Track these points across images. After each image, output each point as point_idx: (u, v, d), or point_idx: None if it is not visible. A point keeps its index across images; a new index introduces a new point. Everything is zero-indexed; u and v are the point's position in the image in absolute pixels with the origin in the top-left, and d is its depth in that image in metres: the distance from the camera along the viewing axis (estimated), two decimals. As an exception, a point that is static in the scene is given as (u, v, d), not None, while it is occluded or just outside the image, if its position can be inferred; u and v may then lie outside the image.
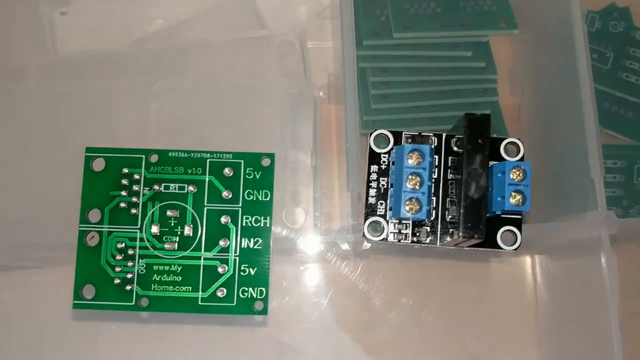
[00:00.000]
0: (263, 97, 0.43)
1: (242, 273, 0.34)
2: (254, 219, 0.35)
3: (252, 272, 0.34)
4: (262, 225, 0.35)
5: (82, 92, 0.44)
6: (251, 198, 0.35)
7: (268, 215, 0.35)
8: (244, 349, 0.42)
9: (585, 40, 0.38)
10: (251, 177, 0.35)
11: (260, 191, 0.35)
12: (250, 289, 0.34)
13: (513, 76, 0.47)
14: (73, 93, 0.44)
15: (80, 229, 0.34)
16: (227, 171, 0.35)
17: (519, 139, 0.34)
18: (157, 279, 0.34)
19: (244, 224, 0.35)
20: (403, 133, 0.34)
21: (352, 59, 0.37)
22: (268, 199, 0.35)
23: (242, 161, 0.35)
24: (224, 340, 0.42)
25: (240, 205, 0.35)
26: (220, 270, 0.35)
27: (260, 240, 0.35)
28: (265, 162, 0.35)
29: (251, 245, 0.35)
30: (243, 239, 0.35)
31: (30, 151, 0.42)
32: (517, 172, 0.32)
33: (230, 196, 0.35)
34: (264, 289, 0.34)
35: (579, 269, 0.39)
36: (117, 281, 0.34)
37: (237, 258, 0.35)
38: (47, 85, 0.44)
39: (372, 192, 0.34)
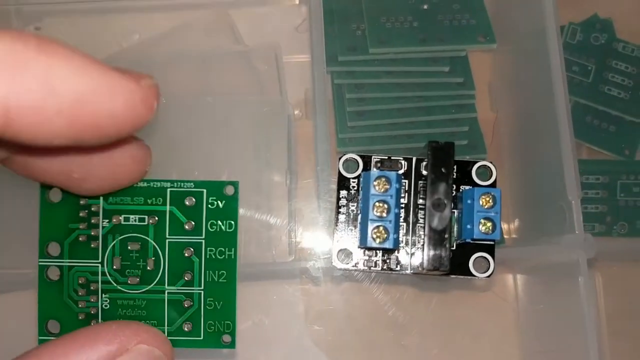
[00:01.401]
0: (236, 115, 0.42)
1: (208, 307, 0.33)
2: (218, 251, 0.34)
3: (218, 306, 0.33)
4: (226, 257, 0.34)
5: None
6: (214, 229, 0.34)
7: (233, 247, 0.34)
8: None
9: (561, 54, 0.37)
10: (214, 206, 0.34)
11: (224, 221, 0.34)
12: (217, 322, 0.33)
13: (493, 91, 0.46)
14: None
15: (40, 263, 0.33)
16: (188, 202, 0.34)
17: (491, 162, 0.33)
18: (122, 314, 0.33)
19: (207, 256, 0.34)
20: (372, 157, 0.33)
21: (322, 79, 0.37)
22: (232, 229, 0.34)
23: (205, 190, 0.34)
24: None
25: (203, 237, 0.34)
26: (185, 304, 0.34)
27: (225, 273, 0.34)
28: (229, 190, 0.34)
29: (216, 279, 0.34)
30: (208, 271, 0.34)
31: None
32: (487, 199, 0.31)
33: (192, 228, 0.34)
34: (230, 322, 0.33)
35: (558, 292, 0.38)
36: (81, 316, 0.33)
37: (202, 292, 0.34)
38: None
39: (342, 217, 0.33)
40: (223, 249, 0.33)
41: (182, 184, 0.34)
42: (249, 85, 0.44)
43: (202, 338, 0.33)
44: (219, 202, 0.34)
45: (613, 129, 0.46)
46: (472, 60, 0.44)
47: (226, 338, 0.33)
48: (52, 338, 0.33)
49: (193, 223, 0.34)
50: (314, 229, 0.40)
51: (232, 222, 0.34)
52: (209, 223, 0.34)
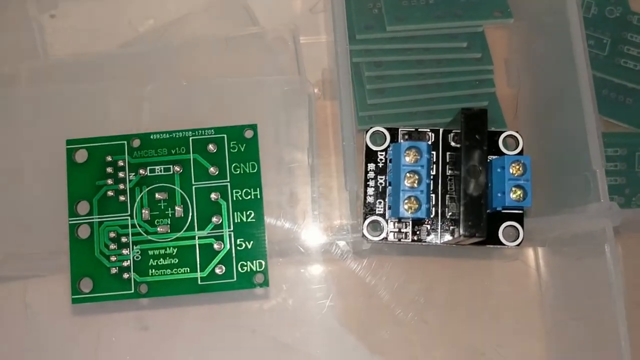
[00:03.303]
0: (257, 95, 0.42)
1: (238, 248, 0.34)
2: (243, 192, 0.34)
3: (249, 246, 0.34)
4: (252, 197, 0.34)
5: (73, 96, 0.43)
6: (238, 171, 0.35)
7: (258, 187, 0.34)
8: (246, 351, 0.41)
9: (582, 28, 0.37)
10: (236, 150, 0.35)
11: (247, 163, 0.35)
12: (249, 262, 0.34)
13: (510, 66, 0.46)
14: (65, 97, 0.43)
15: (70, 222, 0.34)
16: (211, 147, 0.35)
17: (517, 132, 0.34)
18: (153, 264, 0.34)
19: (234, 199, 0.34)
20: (399, 129, 0.34)
21: (345, 55, 0.37)
22: (255, 170, 0.35)
23: (225, 135, 0.35)
24: (226, 339, 0.41)
25: (228, 180, 0.35)
26: (216, 247, 0.34)
27: (253, 213, 0.34)
28: (248, 134, 0.35)
29: (244, 219, 0.34)
30: (235, 213, 0.34)
31: (23, 157, 0.42)
32: (517, 167, 0.31)
33: (217, 172, 0.35)
34: (262, 261, 0.34)
35: (583, 262, 0.38)
36: (113, 271, 0.34)
37: (232, 233, 0.34)
38: (38, 89, 0.44)
39: (370, 191, 0.34)
40: (249, 190, 0.34)
41: (203, 131, 0.34)
42: (267, 67, 0.45)
43: (235, 280, 0.34)
44: (240, 145, 0.34)
45: (630, 102, 0.46)
46: (489, 35, 0.45)
47: (259, 278, 0.34)
48: (86, 296, 0.33)
49: (217, 168, 0.34)
50: (339, 204, 0.40)
51: (255, 164, 0.34)
52: (233, 166, 0.34)
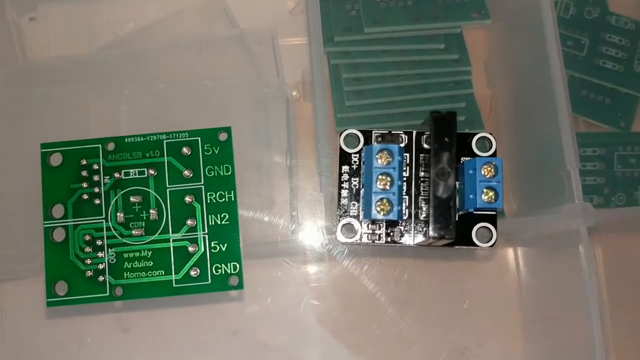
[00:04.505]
0: (235, 98, 0.42)
1: (212, 250, 0.34)
2: (218, 194, 0.35)
3: (223, 248, 0.34)
4: (226, 200, 0.35)
5: (52, 100, 0.43)
6: (212, 174, 0.35)
7: (232, 190, 0.35)
8: (227, 352, 0.41)
9: (556, 28, 0.37)
10: (210, 153, 0.35)
11: (221, 166, 0.35)
12: (224, 264, 0.34)
13: (489, 67, 0.46)
14: (44, 100, 0.43)
15: (45, 225, 0.34)
16: (185, 150, 0.35)
17: (490, 134, 0.34)
18: (128, 267, 0.34)
19: (208, 201, 0.35)
20: (373, 132, 0.34)
21: (320, 57, 0.37)
22: (230, 173, 0.35)
23: (199, 138, 0.35)
24: (207, 341, 0.42)
25: (202, 182, 0.35)
26: (190, 250, 0.34)
27: (227, 215, 0.35)
28: (223, 136, 0.35)
29: (219, 222, 0.34)
30: (210, 216, 0.34)
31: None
32: (489, 169, 0.31)
33: (191, 175, 0.35)
34: (237, 263, 0.34)
35: (559, 262, 0.38)
36: (88, 274, 0.34)
37: (206, 236, 0.34)
38: (16, 93, 0.43)
39: (344, 193, 0.34)
40: (223, 192, 0.34)
41: (177, 134, 0.35)
42: (246, 69, 0.45)
43: (209, 282, 0.34)
44: (214, 148, 0.35)
45: (609, 102, 0.46)
46: (467, 37, 0.45)
47: (233, 280, 0.34)
48: (61, 299, 0.33)
49: (191, 171, 0.34)
50: (316, 206, 0.40)
51: (229, 166, 0.35)
52: (207, 169, 0.34)
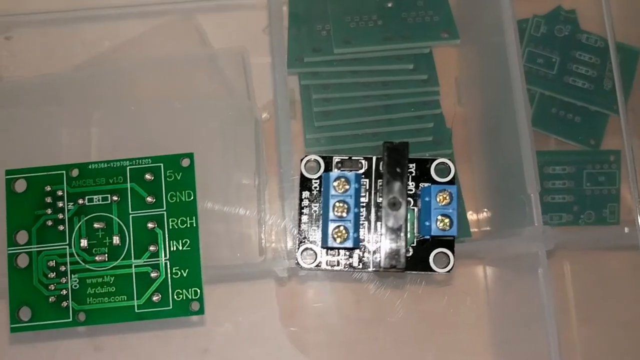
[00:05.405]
0: (204, 119, 0.43)
1: (174, 276, 0.35)
2: (179, 220, 0.35)
3: (184, 274, 0.35)
4: (188, 225, 0.35)
5: (23, 121, 0.43)
6: (174, 200, 0.35)
7: (194, 215, 0.35)
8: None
9: (518, 47, 0.38)
10: (172, 179, 0.36)
11: (183, 192, 0.36)
12: (185, 290, 0.35)
13: (459, 85, 0.46)
14: (14, 121, 0.43)
15: (9, 252, 0.35)
16: (148, 176, 0.36)
17: (449, 159, 0.34)
18: (91, 292, 0.35)
19: (170, 227, 0.35)
20: (333, 158, 0.34)
21: (283, 81, 0.37)
22: (191, 199, 0.35)
23: (162, 164, 0.36)
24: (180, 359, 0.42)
25: (164, 208, 0.35)
26: (152, 275, 0.35)
27: (189, 241, 0.35)
28: (185, 162, 0.36)
29: (180, 247, 0.35)
30: (171, 242, 0.35)
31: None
32: (444, 196, 0.32)
33: (154, 201, 0.35)
34: (198, 289, 0.35)
35: (522, 283, 0.39)
36: (52, 299, 0.35)
37: (168, 261, 0.35)
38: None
39: (305, 218, 0.34)
40: (184, 218, 0.35)
41: (140, 160, 0.35)
42: (217, 89, 0.45)
43: (171, 307, 0.34)
44: (176, 174, 0.35)
45: (578, 120, 0.47)
46: (439, 55, 0.45)
47: (194, 305, 0.35)
48: (25, 325, 0.34)
49: (154, 197, 0.35)
50: (281, 229, 0.40)
51: (191, 192, 0.35)
52: (169, 195, 0.35)
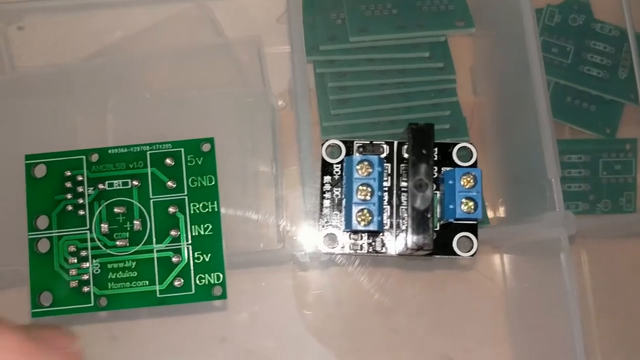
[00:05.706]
0: (220, 108, 0.43)
1: (196, 260, 0.35)
2: (201, 205, 0.35)
3: (207, 259, 0.35)
4: (210, 210, 0.35)
5: (39, 110, 0.43)
6: (196, 185, 0.35)
7: (215, 200, 0.35)
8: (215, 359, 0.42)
9: (537, 36, 0.38)
10: (193, 164, 0.35)
11: (204, 177, 0.35)
12: (207, 275, 0.34)
13: (474, 75, 0.46)
14: (30, 111, 0.43)
15: (30, 237, 0.34)
16: (168, 161, 0.35)
17: (471, 144, 0.34)
18: (112, 277, 0.34)
19: (192, 212, 0.35)
20: (354, 142, 0.34)
21: (302, 68, 0.37)
22: (213, 183, 0.35)
23: (182, 149, 0.35)
24: (196, 347, 0.42)
25: (185, 193, 0.35)
26: (174, 260, 0.35)
27: (211, 226, 0.35)
28: (206, 147, 0.36)
29: (202, 232, 0.35)
30: (193, 226, 0.35)
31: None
32: (468, 179, 0.31)
33: (174, 186, 0.35)
34: (220, 273, 0.34)
35: (542, 269, 0.39)
36: (73, 284, 0.34)
37: (190, 246, 0.35)
38: (4, 103, 0.44)
39: (326, 203, 0.34)
40: (206, 203, 0.35)
41: (161, 145, 0.35)
42: (232, 78, 0.45)
43: (193, 292, 0.34)
44: (197, 159, 0.35)
45: (593, 109, 0.47)
46: (454, 44, 0.45)
47: (217, 290, 0.34)
48: (46, 310, 0.34)
49: (175, 181, 0.35)
50: (301, 215, 0.40)
51: (212, 177, 0.35)
52: (190, 180, 0.35)
